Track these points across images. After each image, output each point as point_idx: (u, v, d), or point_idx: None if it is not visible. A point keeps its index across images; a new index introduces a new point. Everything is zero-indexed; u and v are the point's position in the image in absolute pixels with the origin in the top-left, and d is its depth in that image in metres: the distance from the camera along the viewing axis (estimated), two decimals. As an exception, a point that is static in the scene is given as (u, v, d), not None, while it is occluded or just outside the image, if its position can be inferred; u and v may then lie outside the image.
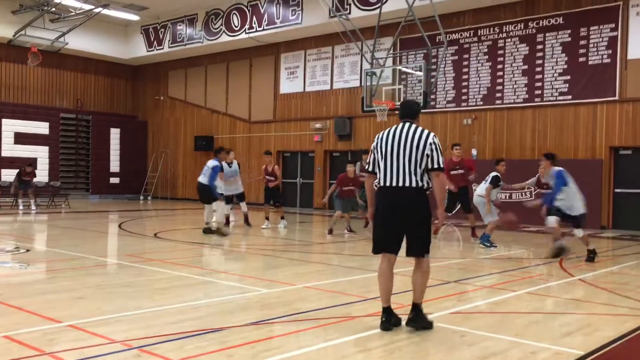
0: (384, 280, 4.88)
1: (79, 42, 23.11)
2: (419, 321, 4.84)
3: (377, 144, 4.98)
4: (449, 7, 16.74)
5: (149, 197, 25.30)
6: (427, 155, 4.81)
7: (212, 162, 12.09)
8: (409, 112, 5.09)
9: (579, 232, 9.00)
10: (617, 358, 4.43)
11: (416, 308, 4.88)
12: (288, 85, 21.51)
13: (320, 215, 18.68)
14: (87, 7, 20.06)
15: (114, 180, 25.64)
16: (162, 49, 23.99)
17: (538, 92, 16.06)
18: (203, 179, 11.99)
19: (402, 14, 15.69)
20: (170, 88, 25.79)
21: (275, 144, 21.87)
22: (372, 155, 5.02)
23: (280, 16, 19.99)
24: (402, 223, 4.83)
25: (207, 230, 11.66)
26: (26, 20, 20.89)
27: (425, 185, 4.83)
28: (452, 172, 11.66)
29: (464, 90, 17.36)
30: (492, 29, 16.90)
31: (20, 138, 22.53)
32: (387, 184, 4.86)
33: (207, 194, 11.95)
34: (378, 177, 4.96)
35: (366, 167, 5.12)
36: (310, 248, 10.88)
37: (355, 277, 7.45)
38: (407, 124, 4.96)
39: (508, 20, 16.61)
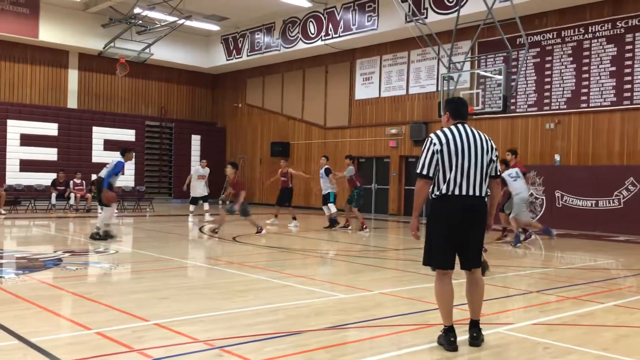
0: (450, 298, 4.53)
1: (163, 53, 24.15)
2: (481, 337, 4.55)
3: (441, 147, 4.41)
4: (530, 8, 16.23)
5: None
6: (493, 162, 4.55)
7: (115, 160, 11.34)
8: (466, 111, 4.66)
9: None
10: None
11: (477, 324, 4.57)
12: (363, 91, 21.54)
13: (396, 221, 18.54)
14: (171, 19, 20.93)
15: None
16: (241, 57, 24.65)
17: (627, 94, 15.26)
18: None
19: (481, 17, 15.36)
20: (248, 95, 26.44)
21: (351, 150, 21.90)
22: (432, 159, 4.43)
23: (356, 22, 20.06)
24: (467, 234, 4.46)
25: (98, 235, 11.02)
26: (115, 33, 22.06)
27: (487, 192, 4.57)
28: None
29: (547, 94, 16.76)
30: (577, 29, 16.23)
31: (109, 145, 23.75)
32: (458, 192, 4.39)
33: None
34: (439, 185, 4.45)
35: (421, 171, 4.47)
36: (386, 254, 10.82)
37: (432, 284, 7.34)
38: (467, 126, 4.55)
39: (594, 20, 15.90)
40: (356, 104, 21.80)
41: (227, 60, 25.35)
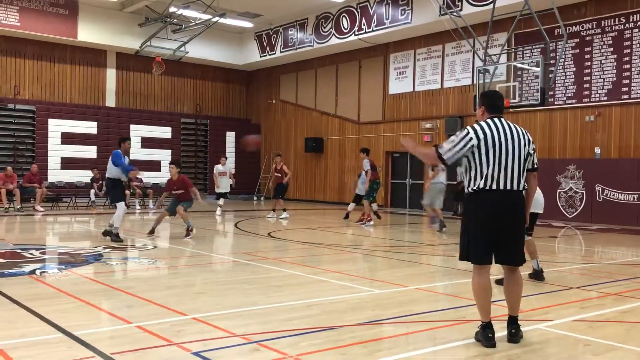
0: (488, 294, 4.48)
1: (198, 51, 24.42)
2: (520, 334, 4.50)
3: (478, 143, 4.36)
4: (568, -2, 15.88)
5: (262, 198, 26.18)
6: (530, 155, 4.49)
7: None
8: (502, 105, 4.60)
9: None
10: None
11: (516, 321, 4.51)
12: (397, 85, 21.39)
13: (429, 216, 18.35)
14: (205, 17, 21.15)
15: (230, 181, 26.79)
16: (275, 54, 24.75)
17: (671, 84, 14.78)
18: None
19: (517, 8, 15.07)
20: (282, 91, 26.55)
21: (385, 145, 21.83)
22: (461, 152, 4.39)
23: (389, 16, 19.92)
24: (505, 230, 4.39)
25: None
26: (151, 32, 22.40)
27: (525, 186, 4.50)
28: None
29: (586, 86, 16.36)
30: (617, 19, 15.79)
31: (146, 142, 24.19)
32: (496, 187, 4.34)
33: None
34: (476, 179, 4.41)
35: (443, 154, 4.46)
36: (421, 249, 10.75)
37: (469, 280, 7.27)
38: (503, 120, 4.49)
39: (635, 9, 15.44)
40: (390, 98, 21.67)
41: (261, 56, 25.48)
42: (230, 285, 6.69)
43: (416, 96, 20.75)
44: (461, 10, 17.27)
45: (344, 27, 21.54)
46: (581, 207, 15.68)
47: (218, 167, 17.52)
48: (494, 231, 4.40)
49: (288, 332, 4.63)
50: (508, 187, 4.36)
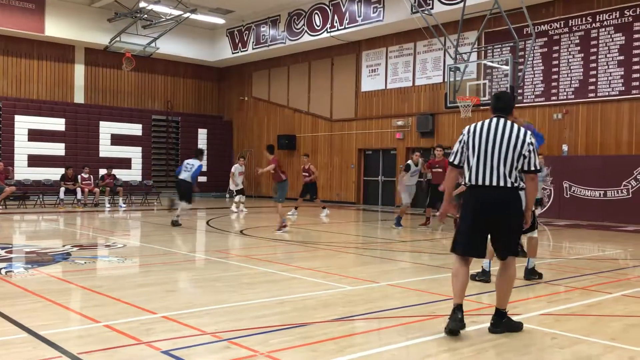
0: (459, 280, 4.62)
1: (169, 47, 24.16)
2: (503, 326, 4.63)
3: (467, 138, 4.65)
4: (537, -3, 16.14)
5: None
6: (524, 157, 4.54)
7: (196, 162, 13.13)
8: (504, 106, 4.74)
9: None
10: None
11: (499, 312, 4.66)
12: (369, 82, 21.48)
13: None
14: (176, 12, 20.92)
15: (201, 178, 26.53)
16: (247, 50, 24.62)
17: (635, 83, 15.15)
18: (188, 177, 12.90)
19: (487, 7, 15.27)
20: (254, 88, 26.43)
21: (357, 142, 21.90)
22: (459, 148, 4.70)
23: (361, 14, 19.98)
24: (491, 224, 4.58)
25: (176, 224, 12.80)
26: (120, 28, 22.08)
27: (520, 184, 4.59)
28: (434, 170, 13.02)
29: (554, 84, 16.66)
30: (584, 18, 16.11)
31: (116, 139, 23.84)
32: (479, 182, 4.56)
33: (189, 192, 13.07)
34: (466, 174, 4.68)
35: (450, 159, 4.78)
36: (393, 246, 10.83)
37: (440, 275, 7.35)
38: (501, 120, 4.64)
39: (602, 9, 15.77)
40: (362, 95, 21.75)
41: (233, 53, 25.33)
42: (201, 283, 6.64)
43: (388, 93, 20.87)
44: (432, 8, 17.42)
45: (316, 24, 21.54)
46: (549, 203, 15.96)
47: (238, 167, 18.49)
48: (480, 226, 4.60)
49: (259, 329, 4.61)
50: (494, 183, 4.52)
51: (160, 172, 25.60)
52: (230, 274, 7.29)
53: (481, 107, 16.56)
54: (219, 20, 23.83)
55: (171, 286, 6.41)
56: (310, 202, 16.67)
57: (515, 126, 4.63)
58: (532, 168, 4.59)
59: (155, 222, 14.62)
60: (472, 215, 4.61)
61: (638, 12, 15.12)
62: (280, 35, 23.02)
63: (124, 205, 19.00)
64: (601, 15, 15.78)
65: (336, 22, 20.82)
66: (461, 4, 15.76)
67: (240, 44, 24.92)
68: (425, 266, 8.25)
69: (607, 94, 15.63)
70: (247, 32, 24.52)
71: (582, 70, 16.13)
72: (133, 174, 23.65)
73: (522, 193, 4.67)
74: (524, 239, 6.91)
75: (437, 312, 5.32)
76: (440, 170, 12.66)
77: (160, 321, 4.83)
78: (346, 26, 20.53)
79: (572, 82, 16.30)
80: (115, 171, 21.11)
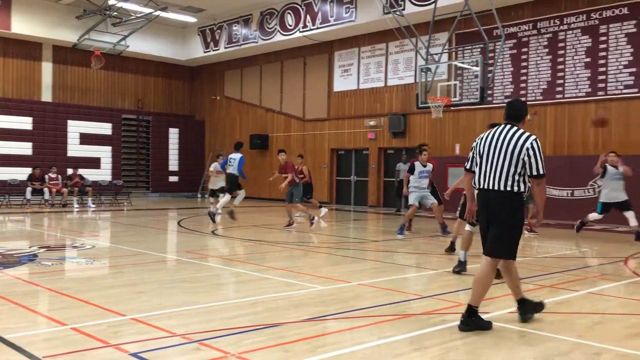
0: (477, 277, 4.86)
1: (139, 45, 23.85)
2: (472, 324, 4.69)
3: (477, 144, 4.99)
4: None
5: (207, 195, 25.80)
6: (524, 162, 4.67)
7: (238, 155, 13.68)
8: (513, 113, 4.93)
9: None
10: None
11: (471, 311, 4.72)
12: (342, 82, 21.53)
13: (375, 212, 18.60)
14: (147, 10, 20.67)
15: (173, 178, 26.37)
16: (218, 49, 24.45)
17: (601, 85, 15.47)
18: (234, 170, 13.45)
19: (458, 8, 15.43)
20: (226, 88, 26.27)
21: (330, 142, 21.93)
22: (471, 154, 5.05)
23: (334, 14, 20.02)
24: (487, 224, 4.85)
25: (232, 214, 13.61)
26: (89, 25, 21.72)
27: (520, 189, 4.72)
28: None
29: (523, 85, 16.92)
30: (552, 21, 16.39)
31: (85, 139, 23.44)
32: (481, 186, 4.88)
33: (236, 184, 13.63)
34: (475, 178, 4.97)
35: (465, 165, 5.17)
36: (365, 245, 10.86)
37: (411, 275, 7.41)
38: (507, 127, 4.85)
39: (569, 12, 16.07)
40: (335, 95, 21.79)
41: (205, 52, 25.13)
42: (171, 285, 6.57)
43: (360, 94, 20.94)
44: (404, 9, 17.53)
45: (288, 24, 21.50)
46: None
47: (217, 166, 17.10)
48: (484, 225, 4.93)
49: (230, 330, 4.57)
50: (491, 187, 4.78)
51: (131, 171, 25.27)
52: (202, 274, 7.23)
53: (452, 108, 16.74)
54: (190, 19, 23.62)
55: (141, 287, 6.32)
56: (307, 202, 16.15)
57: (520, 132, 4.78)
58: (534, 173, 4.68)
59: (125, 223, 14.41)
60: (480, 216, 4.98)
61: (604, 15, 15.46)
62: (252, 35, 22.92)
63: (93, 206, 18.69)
64: (568, 18, 16.09)
65: (309, 22, 20.82)
66: (432, 5, 15.90)
67: (212, 43, 24.74)
68: (397, 265, 8.30)
69: (574, 95, 15.93)
70: (219, 31, 24.35)
71: (550, 71, 16.41)
72: (102, 174, 23.29)
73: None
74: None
75: (408, 311, 5.35)
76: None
77: (129, 323, 4.76)
78: (318, 26, 20.54)
79: (541, 83, 16.58)
80: (84, 171, 20.78)
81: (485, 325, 4.73)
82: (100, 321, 4.78)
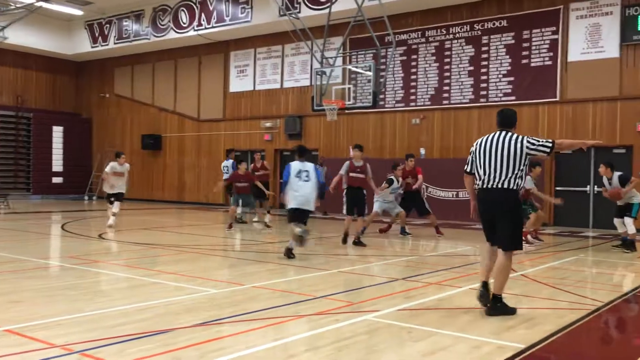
0: (485, 255, 5.62)
1: (20, 37, 22.27)
2: (498, 310, 5.33)
3: (475, 149, 5.57)
4: (397, 7, 16.95)
5: (94, 197, 24.60)
6: (534, 152, 5.30)
7: (309, 165, 9.52)
8: (505, 121, 5.56)
9: None
10: (557, 351, 4.58)
11: (495, 298, 5.38)
12: (238, 83, 21.33)
13: (272, 214, 18.55)
14: (27, 0, 19.35)
15: (57, 179, 24.86)
16: (108, 45, 23.40)
17: (483, 92, 16.46)
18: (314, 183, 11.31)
19: (352, 14, 15.78)
20: (116, 85, 25.18)
21: (225, 143, 21.65)
22: (469, 158, 5.63)
23: (229, 14, 19.79)
24: (492, 219, 5.43)
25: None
26: (-38, 13, 20.01)
27: (515, 187, 5.33)
28: (406, 180, 12.67)
29: (412, 91, 17.62)
30: (439, 30, 17.21)
31: (-44, 136, 21.56)
32: (482, 186, 5.47)
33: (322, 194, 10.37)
34: (476, 179, 5.57)
35: (464, 168, 5.73)
36: (259, 247, 10.81)
37: (306, 275, 7.46)
38: (503, 133, 5.45)
39: (454, 22, 16.95)
40: (231, 96, 21.55)
41: (92, 47, 23.95)
42: (51, 292, 6.17)
43: (257, 95, 20.86)
44: (300, 12, 17.69)
45: (182, 22, 20.99)
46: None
47: (115, 166, 13.30)
48: (486, 220, 5.56)
49: (115, 339, 4.36)
50: (491, 186, 5.39)
51: (9, 172, 23.54)
52: (86, 281, 6.85)
53: (346, 111, 17.09)
54: (76, 12, 22.39)
55: (17, 296, 5.88)
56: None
57: (515, 136, 5.40)
58: (547, 147, 5.29)
59: (2, 227, 13.37)
60: (480, 211, 5.56)
61: (486, 26, 16.45)
62: (144, 31, 22.14)
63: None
64: (454, 27, 16.97)
65: (203, 21, 20.44)
66: (327, 10, 16.16)
67: (100, 38, 23.62)
68: (291, 266, 8.33)
69: (459, 101, 16.82)
70: (108, 25, 23.29)
71: (437, 78, 17.22)
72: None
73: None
74: None
75: (302, 312, 5.38)
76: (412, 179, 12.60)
77: (2, 335, 4.41)
78: (214, 25, 20.23)
79: (429, 89, 17.35)
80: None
81: (511, 311, 5.37)
82: (-31, 335, 4.39)
